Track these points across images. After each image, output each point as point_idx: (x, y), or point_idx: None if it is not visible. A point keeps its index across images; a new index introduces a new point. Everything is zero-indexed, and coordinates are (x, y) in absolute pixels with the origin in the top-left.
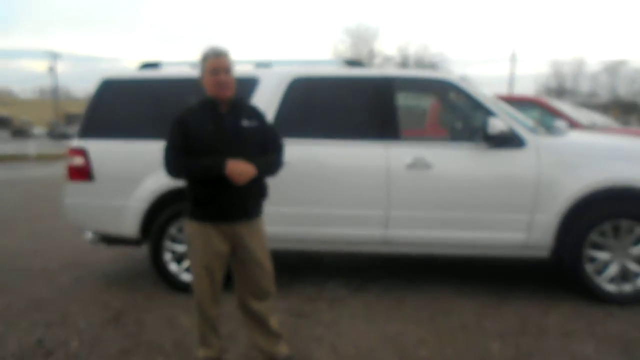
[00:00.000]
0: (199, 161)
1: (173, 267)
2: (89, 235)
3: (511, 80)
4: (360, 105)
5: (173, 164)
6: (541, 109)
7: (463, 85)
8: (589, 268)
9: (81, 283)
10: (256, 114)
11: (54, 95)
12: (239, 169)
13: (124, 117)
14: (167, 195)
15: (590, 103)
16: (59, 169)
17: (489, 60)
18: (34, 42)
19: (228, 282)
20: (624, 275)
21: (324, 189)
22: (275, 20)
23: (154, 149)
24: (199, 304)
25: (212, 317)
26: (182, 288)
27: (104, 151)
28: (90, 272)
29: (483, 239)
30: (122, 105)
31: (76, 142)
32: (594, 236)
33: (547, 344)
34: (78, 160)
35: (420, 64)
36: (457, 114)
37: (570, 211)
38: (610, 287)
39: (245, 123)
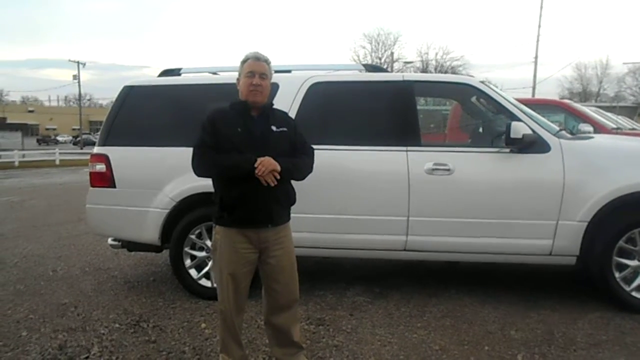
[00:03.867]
0: (228, 157)
1: (193, 273)
2: (110, 241)
3: (534, 84)
4: (380, 110)
5: (202, 162)
6: (566, 113)
7: (485, 88)
8: (618, 276)
9: (102, 289)
10: (287, 121)
11: (79, 103)
12: (266, 161)
13: (145, 123)
14: (188, 202)
15: (616, 106)
16: (83, 176)
17: (511, 64)
18: (60, 52)
19: (250, 289)
20: None
21: (343, 195)
22: (296, 25)
23: (174, 156)
24: (223, 311)
25: (235, 325)
26: (203, 294)
27: (125, 158)
28: (112, 277)
29: (506, 246)
30: (143, 112)
31: (98, 149)
32: (622, 243)
33: (575, 354)
34: (100, 167)
35: (441, 68)
36: (479, 118)
37: (597, 217)
38: None
39: (275, 128)
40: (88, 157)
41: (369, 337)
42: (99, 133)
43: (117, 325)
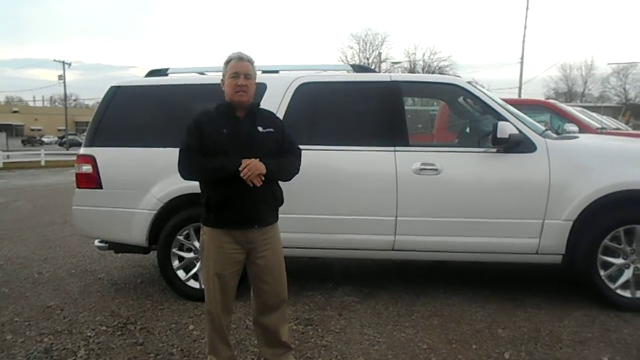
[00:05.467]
0: (213, 160)
1: (181, 274)
2: (97, 243)
3: (520, 84)
4: (368, 110)
5: (188, 164)
6: (551, 113)
7: (472, 89)
8: (603, 274)
9: (89, 291)
10: (274, 121)
11: (64, 104)
12: (252, 165)
13: (132, 124)
14: (176, 203)
15: (600, 106)
16: (69, 177)
17: (497, 64)
18: (45, 52)
19: (237, 289)
20: (638, 282)
21: (331, 195)
22: (283, 26)
23: (161, 156)
24: (210, 312)
25: (223, 326)
26: (191, 296)
27: (112, 158)
28: (98, 280)
29: (493, 245)
30: (130, 113)
31: (84, 150)
32: (607, 241)
33: (561, 352)
34: (86, 168)
35: (428, 69)
36: (466, 119)
37: (582, 216)
38: (625, 294)
39: (261, 129)
40: (74, 158)
41: (357, 337)
42: (85, 134)
43: (104, 328)
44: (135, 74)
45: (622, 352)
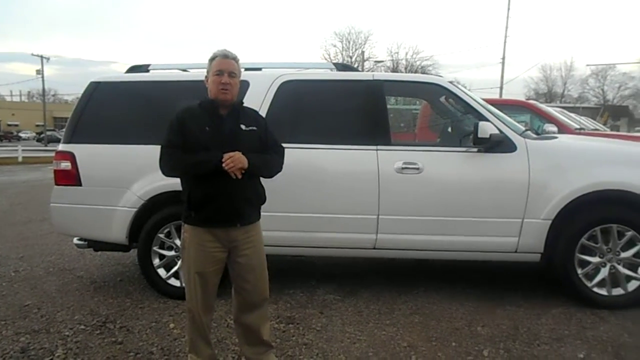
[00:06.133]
0: (195, 155)
1: (162, 272)
2: (75, 240)
3: (501, 84)
4: (350, 109)
5: (169, 161)
6: (531, 113)
7: (454, 88)
8: (580, 272)
9: (67, 289)
10: (257, 119)
11: (42, 99)
12: (236, 157)
13: (113, 121)
14: (157, 200)
15: (579, 107)
16: (47, 174)
17: (479, 64)
18: (23, 46)
19: (219, 288)
20: (614, 280)
21: (313, 194)
22: (267, 23)
23: (142, 153)
24: (191, 310)
25: (204, 325)
26: (172, 294)
27: (92, 155)
28: (77, 278)
29: (474, 243)
30: (111, 109)
31: (63, 146)
32: (584, 240)
33: (539, 349)
34: (65, 165)
35: (411, 68)
36: (448, 118)
37: (560, 215)
38: (601, 292)
39: (244, 127)
40: (53, 154)
41: (338, 335)
42: (64, 130)
43: (82, 327)
44: (116, 70)
45: (597, 349)
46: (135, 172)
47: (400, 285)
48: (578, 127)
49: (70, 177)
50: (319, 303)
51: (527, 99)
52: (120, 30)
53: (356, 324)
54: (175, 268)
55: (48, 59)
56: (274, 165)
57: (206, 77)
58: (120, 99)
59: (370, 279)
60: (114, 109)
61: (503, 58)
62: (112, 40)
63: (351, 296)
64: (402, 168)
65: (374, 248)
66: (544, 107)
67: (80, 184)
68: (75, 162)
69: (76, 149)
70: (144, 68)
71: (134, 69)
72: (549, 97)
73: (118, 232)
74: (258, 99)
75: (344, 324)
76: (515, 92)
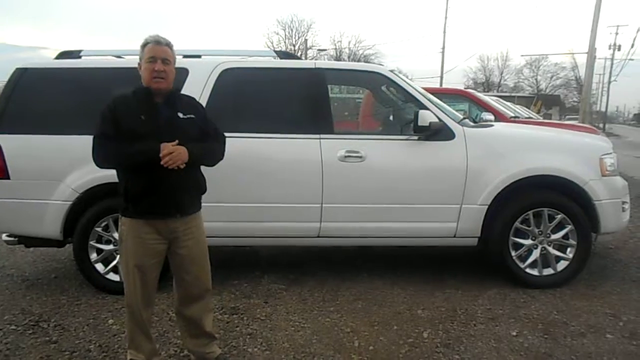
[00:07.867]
0: (131, 146)
1: (100, 267)
2: (4, 237)
3: (442, 73)
4: (292, 97)
5: (102, 152)
6: (470, 102)
7: (395, 77)
8: (514, 254)
9: None
10: (195, 107)
11: None
12: (176, 154)
13: (43, 109)
14: (93, 193)
15: (515, 96)
16: None
17: (420, 54)
18: None
19: (159, 281)
20: (545, 261)
21: (256, 183)
22: (207, 9)
23: (76, 144)
24: (130, 305)
25: (144, 319)
26: (111, 289)
27: (20, 146)
28: (7, 276)
29: (415, 229)
30: (40, 97)
31: None
32: (518, 224)
33: (475, 329)
34: None
35: (354, 57)
36: (389, 107)
37: (496, 201)
38: (533, 272)
39: (182, 115)
40: None
41: (283, 324)
42: None
43: (13, 327)
44: (45, 56)
45: (529, 327)
46: (69, 163)
47: (344, 272)
48: (513, 115)
49: None
50: (264, 292)
51: (466, 88)
52: (49, 14)
53: (300, 312)
54: (114, 262)
55: None
56: (215, 154)
57: (139, 64)
58: (51, 86)
59: (314, 267)
60: (43, 97)
61: (443, 48)
62: (40, 25)
63: (296, 285)
64: (345, 156)
65: (318, 236)
66: (481, 96)
67: (8, 177)
68: (2, 153)
69: (2, 140)
70: (75, 54)
71: (64, 55)
72: (487, 86)
73: (51, 226)
74: (198, 88)
75: (288, 313)
76: (454, 81)
